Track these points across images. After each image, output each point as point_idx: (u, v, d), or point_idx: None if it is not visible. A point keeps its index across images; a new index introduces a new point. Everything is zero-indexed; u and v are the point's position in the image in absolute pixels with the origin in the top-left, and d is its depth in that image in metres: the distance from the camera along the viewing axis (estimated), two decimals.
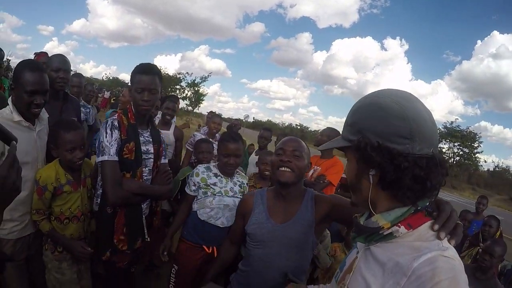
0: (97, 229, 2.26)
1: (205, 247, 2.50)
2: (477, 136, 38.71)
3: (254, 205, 1.89)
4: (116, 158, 2.03)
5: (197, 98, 43.81)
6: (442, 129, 38.08)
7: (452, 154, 38.43)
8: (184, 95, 42.63)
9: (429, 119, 0.94)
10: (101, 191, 2.14)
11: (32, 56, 4.26)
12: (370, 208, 1.00)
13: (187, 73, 43.40)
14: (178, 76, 43.05)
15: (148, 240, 2.28)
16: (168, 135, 4.23)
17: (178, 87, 42.45)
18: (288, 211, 1.81)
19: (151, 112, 2.27)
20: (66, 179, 2.08)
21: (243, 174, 2.76)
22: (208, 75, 44.22)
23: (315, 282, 3.06)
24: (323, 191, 3.48)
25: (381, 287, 0.91)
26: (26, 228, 2.09)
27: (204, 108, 45.57)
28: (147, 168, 2.20)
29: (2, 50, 4.46)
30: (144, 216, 2.23)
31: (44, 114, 2.19)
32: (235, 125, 6.44)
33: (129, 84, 2.21)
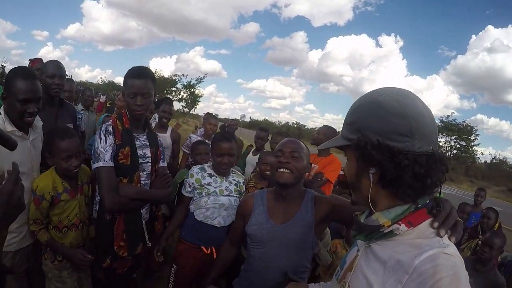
0: (96, 236, 2.24)
1: (203, 247, 2.51)
2: (473, 129, 38.95)
3: (254, 206, 1.90)
4: (111, 164, 2.01)
5: (193, 99, 43.78)
6: (439, 123, 38.15)
7: (449, 148, 38.60)
8: (180, 96, 42.64)
9: (429, 116, 0.94)
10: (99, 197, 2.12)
11: (27, 62, 4.24)
12: (370, 206, 1.00)
13: (182, 74, 43.50)
14: (173, 78, 43.07)
15: (149, 245, 2.25)
16: (165, 138, 4.24)
17: (174, 89, 42.45)
18: (288, 211, 1.82)
19: (147, 116, 2.25)
20: (63, 187, 2.06)
21: (239, 173, 2.76)
22: (203, 76, 44.30)
23: (317, 279, 3.09)
24: (321, 188, 3.49)
25: (382, 285, 0.91)
26: (25, 239, 2.06)
27: (200, 109, 45.64)
28: (145, 172, 2.18)
29: None
30: (144, 221, 2.20)
31: (38, 122, 2.16)
32: (230, 125, 6.42)
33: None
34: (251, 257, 1.87)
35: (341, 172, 3.91)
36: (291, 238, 1.77)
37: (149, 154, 2.20)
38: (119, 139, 2.05)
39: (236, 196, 2.58)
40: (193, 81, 43.07)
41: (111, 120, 2.15)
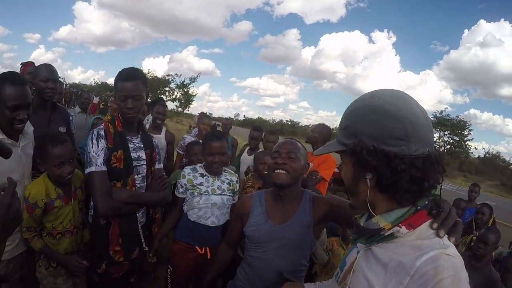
0: (91, 241, 2.22)
1: (197, 248, 2.51)
2: (467, 124, 39.04)
3: (252, 207, 1.90)
4: (103, 168, 1.98)
5: (187, 99, 43.64)
6: (432, 119, 38.14)
7: (442, 143, 38.72)
8: (173, 96, 42.50)
9: (424, 117, 0.93)
10: None
11: (19, 66, 4.20)
12: (370, 210, 1.00)
13: (176, 74, 43.24)
14: (167, 78, 42.84)
15: (146, 249, 2.23)
16: (160, 139, 4.22)
17: (167, 89, 42.27)
18: (286, 212, 1.82)
19: (140, 117, 2.23)
20: (56, 194, 2.03)
21: (231, 171, 2.76)
22: (197, 76, 44.07)
23: (313, 277, 3.12)
24: (316, 186, 3.49)
25: (384, 287, 0.91)
26: (18, 247, 2.03)
27: (194, 109, 45.56)
28: (139, 175, 2.16)
29: None
30: (140, 225, 2.18)
31: (29, 128, 2.11)
32: (224, 124, 6.40)
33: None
34: (250, 258, 1.87)
35: (336, 170, 3.94)
36: (290, 238, 1.77)
37: (143, 157, 2.18)
38: (111, 142, 2.03)
39: (229, 195, 2.58)
40: (187, 81, 42.90)
41: (103, 124, 2.12)
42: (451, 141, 39.20)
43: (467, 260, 3.23)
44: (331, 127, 4.97)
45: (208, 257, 2.50)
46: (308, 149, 3.57)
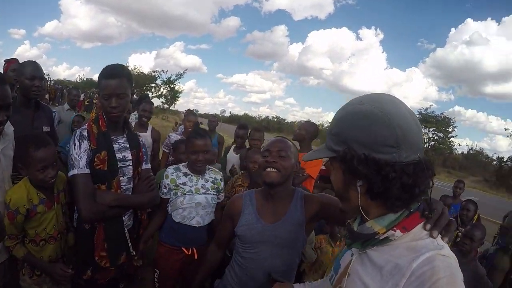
0: (76, 246, 2.14)
1: (184, 249, 2.47)
2: (451, 121, 39.94)
3: (243, 206, 1.88)
4: (86, 171, 1.91)
5: (173, 95, 43.40)
6: (418, 116, 38.68)
7: (427, 139, 39.33)
8: (159, 93, 42.22)
9: (414, 123, 0.93)
10: None
11: (2, 63, 4.09)
12: (363, 215, 1.00)
13: (162, 70, 43.02)
14: (153, 74, 42.57)
15: (134, 254, 2.16)
16: (145, 137, 4.16)
17: (153, 85, 42.00)
18: (277, 211, 1.81)
19: (125, 116, 2.16)
20: (38, 199, 1.93)
21: (215, 170, 2.72)
22: (183, 72, 44.02)
23: (301, 275, 3.10)
24: (303, 184, 3.49)
25: None
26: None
27: (180, 105, 45.37)
28: (125, 177, 2.08)
29: None
30: (127, 229, 2.11)
31: (9, 128, 1.99)
32: (210, 121, 6.31)
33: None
34: (242, 259, 1.85)
35: (323, 167, 3.96)
36: (282, 237, 1.77)
37: (129, 157, 2.10)
38: (94, 143, 1.95)
39: (214, 194, 2.55)
40: (173, 77, 42.72)
41: (86, 124, 2.04)
42: (435, 137, 39.95)
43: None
44: (317, 124, 4.97)
45: (195, 257, 2.48)
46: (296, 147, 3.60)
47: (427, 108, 41.07)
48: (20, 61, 3.24)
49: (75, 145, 1.93)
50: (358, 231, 1.02)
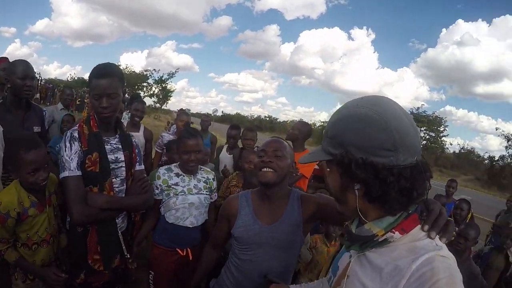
0: (69, 249, 2.09)
1: (178, 250, 2.44)
2: (442, 121, 40.44)
3: (239, 207, 1.85)
4: (78, 173, 1.86)
5: (165, 94, 43.23)
6: None
7: None
8: (151, 92, 42.06)
9: (411, 126, 0.93)
10: None
11: None
12: (361, 217, 0.99)
13: (154, 69, 42.91)
14: (145, 73, 42.41)
15: (128, 256, 2.11)
16: (138, 137, 4.12)
17: (145, 84, 41.82)
18: (274, 212, 1.79)
19: (117, 116, 2.12)
20: (30, 202, 1.87)
21: (207, 169, 2.70)
22: (175, 71, 43.85)
23: (296, 275, 3.09)
24: (297, 183, 3.48)
25: None
26: None
27: (172, 104, 45.26)
28: (118, 178, 2.04)
29: None
30: (120, 231, 2.06)
31: None
32: (203, 120, 6.23)
33: None
34: (239, 261, 1.82)
35: (316, 167, 3.98)
36: (280, 239, 1.75)
37: (122, 158, 2.05)
38: (85, 144, 1.90)
39: (207, 194, 2.53)
40: (165, 76, 42.55)
41: (77, 125, 1.99)
42: (427, 137, 40.36)
43: None
44: (310, 123, 4.97)
45: (190, 258, 2.45)
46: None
47: (418, 108, 41.60)
48: (11, 60, 3.17)
49: (65, 146, 1.88)
50: (357, 233, 1.01)
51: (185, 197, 2.41)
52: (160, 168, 2.57)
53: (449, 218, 0.99)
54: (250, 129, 4.39)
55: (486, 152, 49.64)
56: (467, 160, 42.63)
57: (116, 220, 2.03)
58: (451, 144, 42.32)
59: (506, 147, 35.83)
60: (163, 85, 42.69)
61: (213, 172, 2.74)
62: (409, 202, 0.93)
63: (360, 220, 1.02)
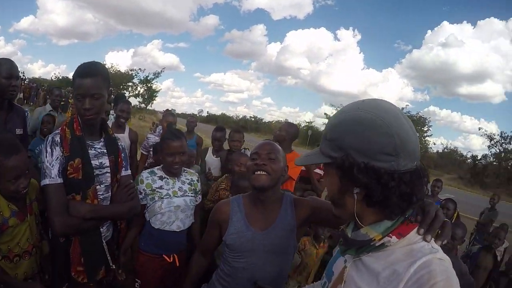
0: (51, 261, 1.97)
1: (165, 256, 2.38)
2: (426, 121, 40.94)
3: (231, 213, 1.79)
4: (59, 180, 1.76)
5: (150, 94, 42.80)
6: None
7: None
8: (136, 92, 41.61)
9: (412, 131, 0.92)
10: None
11: None
12: (357, 221, 0.99)
13: (139, 69, 42.29)
14: (130, 72, 41.88)
15: (114, 267, 2.01)
16: (123, 138, 4.03)
17: (130, 84, 41.34)
18: (267, 217, 1.75)
19: (103, 118, 2.03)
20: (10, 211, 1.76)
21: (191, 171, 2.65)
22: (161, 71, 43.21)
23: (286, 278, 3.04)
24: (284, 186, 3.46)
25: None
26: None
27: (157, 104, 44.87)
28: (103, 185, 1.94)
29: None
30: (105, 241, 1.97)
31: None
32: (189, 121, 6.12)
33: None
34: (231, 269, 1.77)
35: (303, 168, 4.00)
36: (274, 244, 1.71)
37: (107, 164, 1.95)
38: (67, 150, 1.80)
39: (192, 196, 2.48)
40: (150, 76, 42.04)
41: (60, 128, 1.89)
42: None
43: None
44: (297, 125, 4.96)
45: (177, 264, 2.40)
46: None
47: (403, 108, 41.56)
48: None
49: (46, 152, 1.78)
50: (352, 237, 1.01)
51: (171, 200, 2.36)
52: (143, 171, 2.50)
53: (446, 219, 0.99)
54: (237, 131, 4.34)
55: (469, 152, 50.75)
56: (450, 159, 43.38)
57: (101, 229, 1.94)
58: (434, 144, 43.11)
59: (489, 146, 36.64)
60: (149, 85, 42.21)
61: (197, 174, 2.70)
62: (408, 207, 0.93)
63: (356, 224, 1.02)
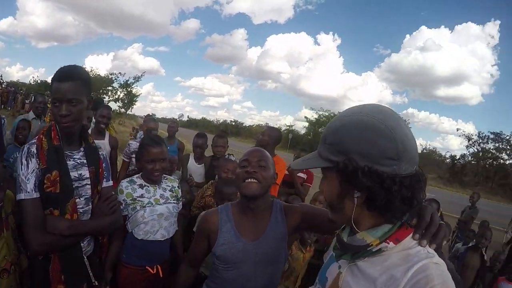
0: (30, 277, 1.84)
1: (148, 268, 2.29)
2: (405, 123, 41.59)
3: (220, 223, 1.73)
4: (35, 195, 1.64)
5: (130, 99, 42.26)
6: None
7: None
8: (116, 96, 41.04)
9: (412, 137, 0.94)
10: None
11: None
12: (353, 227, 0.99)
13: (119, 73, 41.64)
14: (110, 76, 41.23)
15: (96, 284, 1.89)
16: (103, 144, 3.93)
17: (110, 88, 40.73)
18: (258, 226, 1.70)
19: (85, 125, 1.92)
20: None
21: (171, 177, 2.57)
22: (141, 75, 42.69)
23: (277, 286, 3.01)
24: None
25: None
26: None
27: (137, 109, 44.43)
28: (82, 198, 1.82)
29: None
30: (86, 256, 1.85)
31: None
32: (170, 126, 5.98)
33: None
34: (222, 280, 1.71)
35: (286, 172, 4.06)
36: (266, 254, 1.67)
37: (87, 175, 1.83)
38: (44, 162, 1.68)
39: (174, 203, 2.41)
40: (131, 80, 41.50)
41: (36, 138, 1.77)
42: None
43: None
44: (279, 129, 4.96)
45: (161, 275, 2.32)
46: None
47: None
48: None
49: (22, 164, 1.67)
50: (348, 242, 1.01)
51: (153, 208, 2.28)
52: (122, 181, 2.40)
53: (441, 222, 0.99)
54: (221, 136, 4.27)
55: (448, 152, 51.94)
56: (429, 159, 44.23)
57: (81, 244, 1.83)
58: None
59: (467, 146, 37.61)
60: (129, 89, 41.68)
61: (177, 180, 2.63)
62: (409, 211, 0.94)
63: (351, 229, 1.02)
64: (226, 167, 3.14)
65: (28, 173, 1.65)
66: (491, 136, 38.64)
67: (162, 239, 2.30)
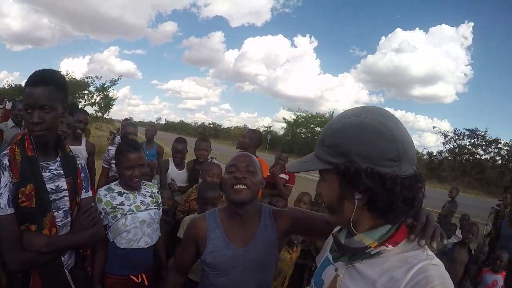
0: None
1: (133, 277, 2.23)
2: None
3: (208, 230, 1.68)
4: (9, 211, 1.53)
5: (107, 103, 41.66)
6: None
7: None
8: (92, 100, 40.42)
9: (410, 138, 0.95)
10: None
11: None
12: (352, 229, 0.98)
13: (96, 76, 41.11)
14: (86, 80, 40.60)
15: None
16: (80, 150, 3.81)
17: (86, 92, 40.08)
18: (247, 231, 1.66)
19: (64, 132, 1.81)
20: None
21: (150, 183, 2.52)
22: (118, 78, 42.31)
23: None
24: None
25: None
26: None
27: (114, 113, 43.95)
28: (61, 211, 1.70)
29: None
30: (68, 270, 1.75)
31: None
32: (148, 130, 5.83)
33: None
34: (213, 287, 1.67)
35: (268, 174, 4.12)
36: (256, 259, 1.63)
37: (64, 186, 1.72)
38: (17, 175, 1.56)
39: (155, 208, 2.35)
40: (107, 83, 40.98)
41: (8, 149, 1.64)
42: None
43: None
44: (259, 131, 4.96)
45: (146, 284, 2.26)
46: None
47: None
48: None
49: None
50: (346, 244, 1.01)
51: (135, 216, 2.21)
52: (99, 189, 2.31)
53: (437, 224, 0.99)
54: (204, 139, 4.20)
55: (425, 149, 52.86)
56: None
57: (62, 258, 1.73)
58: None
59: (443, 143, 38.55)
60: (105, 93, 41.11)
61: (157, 186, 2.58)
62: (410, 211, 0.94)
63: (349, 231, 1.02)
64: (212, 171, 3.10)
65: (0, 187, 1.54)
66: (467, 132, 40.07)
67: (146, 247, 2.24)
